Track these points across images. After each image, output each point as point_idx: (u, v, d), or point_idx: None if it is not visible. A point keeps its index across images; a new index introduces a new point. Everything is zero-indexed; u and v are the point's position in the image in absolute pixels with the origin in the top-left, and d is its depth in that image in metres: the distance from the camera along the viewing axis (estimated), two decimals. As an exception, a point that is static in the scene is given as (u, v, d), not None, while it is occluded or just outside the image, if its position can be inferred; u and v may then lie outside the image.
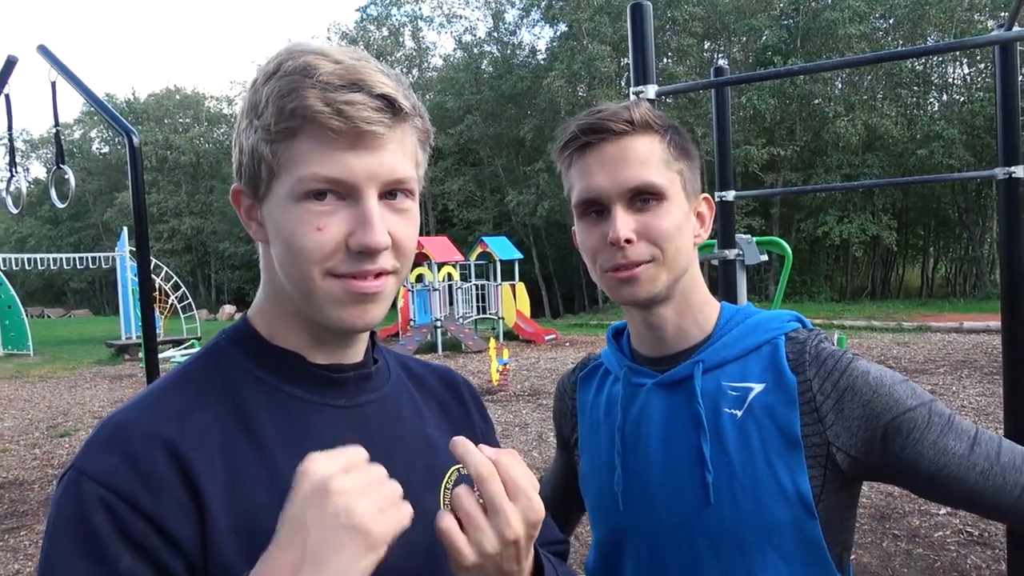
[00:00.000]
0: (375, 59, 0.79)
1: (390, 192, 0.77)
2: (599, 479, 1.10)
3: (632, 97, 2.34)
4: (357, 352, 0.86)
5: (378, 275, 0.77)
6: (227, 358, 0.82)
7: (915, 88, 26.10)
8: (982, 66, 24.19)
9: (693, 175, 1.05)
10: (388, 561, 0.75)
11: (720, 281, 3.34)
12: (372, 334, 0.91)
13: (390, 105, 0.74)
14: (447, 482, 0.87)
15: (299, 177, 0.73)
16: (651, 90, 2.29)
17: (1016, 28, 2.19)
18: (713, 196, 3.42)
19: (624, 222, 0.97)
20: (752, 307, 1.10)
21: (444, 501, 0.85)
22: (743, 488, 0.96)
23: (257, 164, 0.76)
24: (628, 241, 0.97)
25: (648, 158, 0.99)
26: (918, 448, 0.93)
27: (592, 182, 0.99)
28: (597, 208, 1.01)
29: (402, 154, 0.77)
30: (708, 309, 1.07)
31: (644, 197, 0.98)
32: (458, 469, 0.88)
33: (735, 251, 3.30)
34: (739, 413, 0.99)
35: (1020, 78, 2.77)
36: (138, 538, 0.68)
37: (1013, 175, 2.71)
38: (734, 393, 1.00)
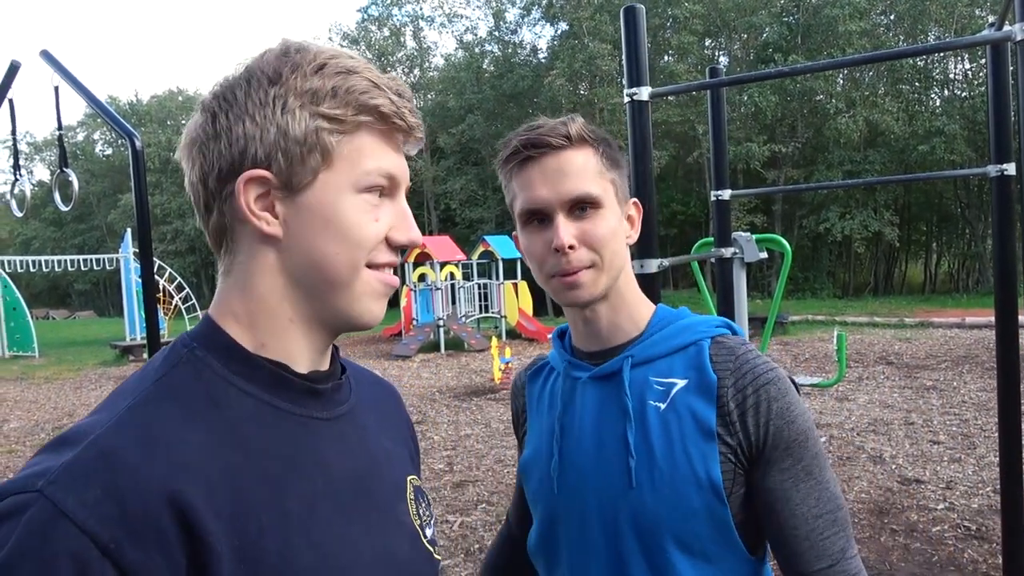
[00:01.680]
0: None
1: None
2: (539, 466, 1.18)
3: (626, 99, 2.38)
4: (328, 356, 0.85)
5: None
6: (207, 369, 0.74)
7: (916, 84, 26.06)
8: (983, 61, 24.13)
9: (623, 182, 1.14)
10: (367, 570, 0.77)
11: (718, 279, 3.38)
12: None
13: (419, 119, 0.81)
14: (409, 494, 0.88)
15: (365, 170, 0.76)
16: (645, 92, 2.32)
17: (1007, 27, 2.22)
18: (710, 195, 3.45)
19: (566, 230, 1.06)
20: (686, 311, 1.18)
21: (412, 512, 0.87)
22: (661, 474, 1.04)
23: (309, 151, 0.74)
24: (571, 247, 1.06)
25: (584, 170, 1.07)
26: (771, 482, 1.04)
27: (535, 193, 1.07)
28: (540, 217, 1.09)
29: None
30: (642, 308, 1.16)
31: (582, 206, 1.07)
32: (410, 481, 0.90)
33: (731, 249, 3.34)
34: (663, 406, 1.07)
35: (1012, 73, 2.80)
36: None
37: (1005, 172, 2.74)
38: (659, 387, 1.08)
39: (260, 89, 0.74)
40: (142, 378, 0.74)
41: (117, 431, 0.66)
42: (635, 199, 1.17)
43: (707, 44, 29.33)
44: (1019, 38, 1.84)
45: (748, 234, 3.64)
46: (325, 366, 0.84)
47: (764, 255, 3.73)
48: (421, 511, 0.89)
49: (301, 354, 0.79)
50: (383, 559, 0.79)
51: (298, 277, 0.77)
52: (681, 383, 1.08)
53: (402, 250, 0.81)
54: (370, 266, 0.78)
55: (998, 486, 3.04)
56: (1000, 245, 2.71)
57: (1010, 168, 2.70)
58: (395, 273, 0.82)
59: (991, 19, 3.07)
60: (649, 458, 1.05)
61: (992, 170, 2.75)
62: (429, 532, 0.89)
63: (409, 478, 0.90)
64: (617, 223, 1.10)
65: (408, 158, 0.84)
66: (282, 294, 0.77)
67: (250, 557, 0.66)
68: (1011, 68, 2.75)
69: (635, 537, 1.05)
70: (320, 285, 0.77)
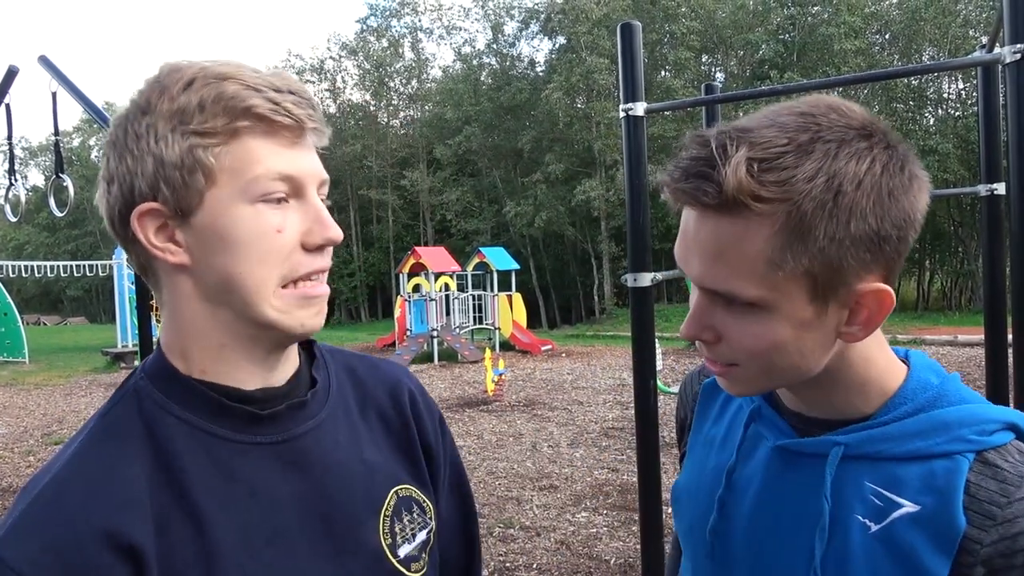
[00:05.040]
0: None
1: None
2: (694, 510, 0.91)
3: (621, 114, 2.39)
4: (289, 367, 0.82)
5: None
6: (148, 399, 0.75)
7: (911, 103, 26.28)
8: (975, 81, 24.30)
9: (851, 260, 0.67)
10: None
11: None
12: (311, 342, 0.89)
13: (315, 108, 0.76)
14: (386, 508, 0.84)
15: (254, 176, 0.71)
16: (640, 107, 2.34)
17: (997, 49, 2.25)
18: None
19: (698, 317, 0.74)
20: (956, 385, 0.78)
21: (384, 529, 0.83)
22: None
23: (189, 172, 0.71)
24: (703, 339, 0.75)
25: (737, 256, 0.67)
26: None
27: (677, 248, 0.74)
28: None
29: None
30: (872, 385, 0.78)
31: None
32: (396, 492, 0.86)
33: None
34: (874, 527, 0.74)
35: (1001, 94, 2.83)
36: None
37: (995, 192, 2.77)
38: (876, 501, 0.75)
39: (135, 122, 0.73)
40: (97, 413, 0.76)
41: (57, 480, 0.69)
42: (879, 285, 0.70)
43: (704, 60, 29.58)
44: (1008, 60, 1.86)
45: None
46: (285, 375, 0.81)
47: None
48: (397, 527, 0.84)
49: (245, 373, 0.77)
50: None
51: (217, 301, 0.74)
52: (909, 508, 0.73)
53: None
54: (291, 283, 0.75)
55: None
56: (990, 263, 2.74)
57: (1000, 188, 2.73)
58: (321, 281, 0.78)
59: (984, 40, 3.11)
60: None
61: (982, 189, 2.78)
62: (405, 549, 0.84)
63: (394, 489, 0.86)
64: (793, 332, 0.70)
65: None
66: (208, 320, 0.75)
67: None
68: (1001, 89, 2.79)
69: None
70: (239, 305, 0.74)
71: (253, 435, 0.77)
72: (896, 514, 0.73)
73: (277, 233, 0.73)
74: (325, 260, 0.77)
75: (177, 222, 0.73)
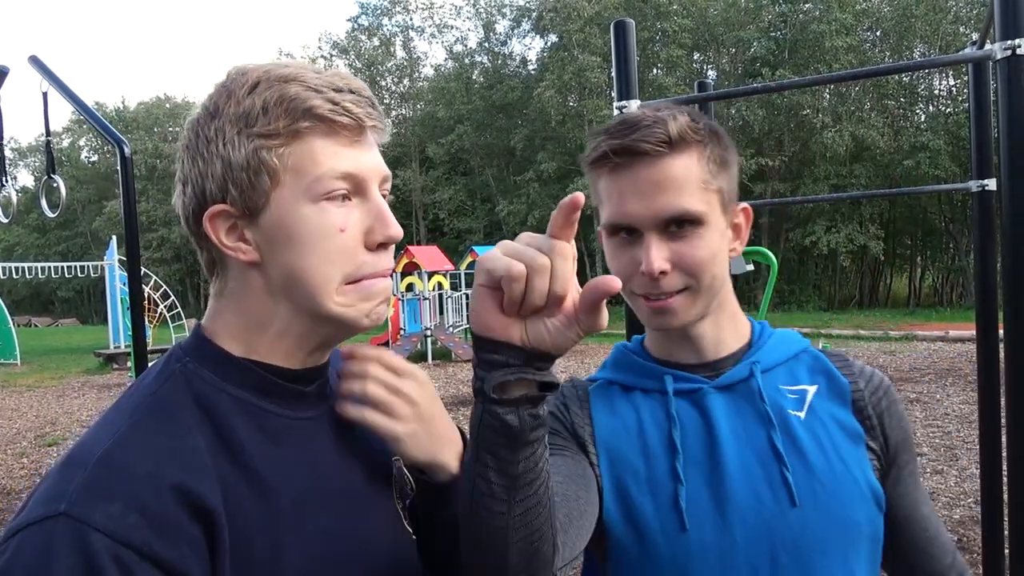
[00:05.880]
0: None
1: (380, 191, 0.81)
2: (652, 498, 0.97)
3: (615, 112, 2.40)
4: (328, 350, 0.86)
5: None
6: (197, 379, 0.77)
7: (902, 99, 26.38)
8: (966, 78, 24.40)
9: (732, 185, 0.99)
10: (357, 561, 0.79)
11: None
12: None
13: (374, 106, 0.79)
14: (394, 477, 0.90)
15: (316, 176, 0.74)
16: (634, 105, 2.35)
17: (988, 45, 2.26)
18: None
19: (658, 252, 0.92)
20: (767, 324, 1.10)
21: (395, 495, 0.88)
22: (823, 487, 0.93)
23: (254, 173, 0.74)
24: (663, 272, 0.93)
25: (685, 181, 0.92)
26: (904, 487, 1.01)
27: (624, 208, 0.93)
28: (628, 231, 0.95)
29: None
30: (740, 318, 1.06)
31: (679, 223, 0.93)
32: (394, 462, 0.90)
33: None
34: (802, 414, 0.98)
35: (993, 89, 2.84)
36: None
37: (986, 188, 2.78)
38: (792, 396, 1.00)
39: (205, 126, 0.76)
40: (138, 393, 0.77)
41: (122, 445, 0.69)
42: (745, 204, 1.02)
43: (696, 58, 29.61)
44: (999, 56, 1.87)
45: (734, 246, 3.65)
46: (324, 360, 0.86)
47: (750, 267, 3.75)
48: (403, 493, 0.90)
49: (295, 358, 0.81)
50: (372, 549, 0.82)
51: (281, 294, 0.78)
52: (812, 388, 1.00)
53: (396, 248, 0.80)
54: (354, 281, 0.78)
55: (979, 497, 3.07)
56: (981, 258, 2.75)
57: (991, 183, 2.75)
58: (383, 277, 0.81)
59: (975, 36, 3.13)
60: (805, 470, 0.94)
61: (974, 185, 2.79)
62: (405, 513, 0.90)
63: (393, 459, 0.91)
64: (720, 240, 0.96)
65: (392, 166, 0.81)
66: (269, 311, 0.79)
67: (240, 555, 0.70)
68: (992, 85, 2.80)
69: (797, 564, 0.92)
70: (303, 299, 0.77)
71: (298, 411, 0.81)
72: (809, 397, 1.00)
73: (340, 232, 0.76)
74: (388, 260, 0.80)
75: (246, 222, 0.76)
